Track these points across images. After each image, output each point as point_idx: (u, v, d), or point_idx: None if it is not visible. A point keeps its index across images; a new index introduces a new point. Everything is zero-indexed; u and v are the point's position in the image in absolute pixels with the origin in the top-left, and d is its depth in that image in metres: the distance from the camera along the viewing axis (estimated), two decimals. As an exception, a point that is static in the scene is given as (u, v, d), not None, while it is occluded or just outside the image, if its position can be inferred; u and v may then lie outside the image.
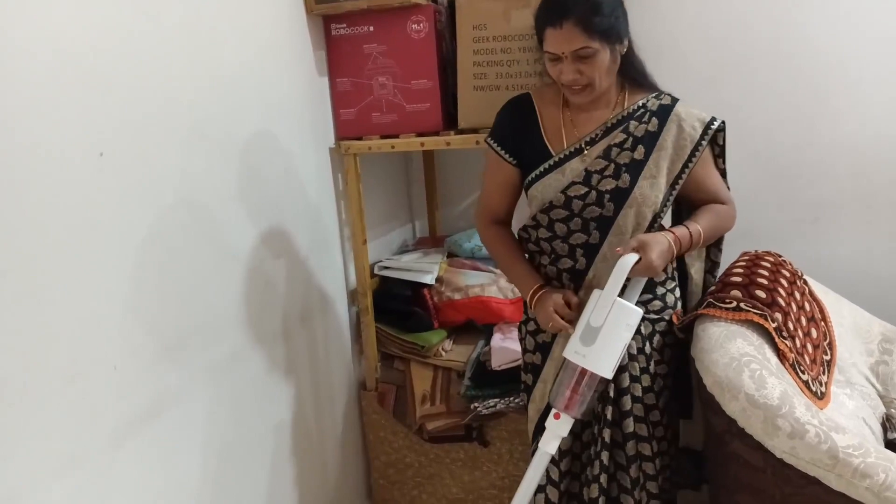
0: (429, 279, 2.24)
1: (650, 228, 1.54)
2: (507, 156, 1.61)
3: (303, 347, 1.98)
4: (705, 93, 2.22)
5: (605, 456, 1.57)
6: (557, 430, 1.45)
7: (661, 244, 1.45)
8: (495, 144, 1.63)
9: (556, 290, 1.56)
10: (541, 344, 1.65)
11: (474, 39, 1.93)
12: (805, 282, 1.87)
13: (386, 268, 2.30)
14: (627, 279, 1.43)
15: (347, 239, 2.19)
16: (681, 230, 1.51)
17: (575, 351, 1.43)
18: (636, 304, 1.46)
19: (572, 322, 1.49)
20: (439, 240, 2.61)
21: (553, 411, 1.45)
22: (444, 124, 2.01)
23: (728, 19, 2.23)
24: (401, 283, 2.26)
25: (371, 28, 2.00)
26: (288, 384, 1.91)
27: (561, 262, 1.59)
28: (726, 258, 1.83)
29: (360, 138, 2.07)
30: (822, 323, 1.82)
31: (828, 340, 1.81)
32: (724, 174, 1.66)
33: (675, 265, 1.67)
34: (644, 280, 1.47)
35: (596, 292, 1.45)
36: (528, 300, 1.60)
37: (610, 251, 1.52)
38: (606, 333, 1.41)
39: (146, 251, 1.41)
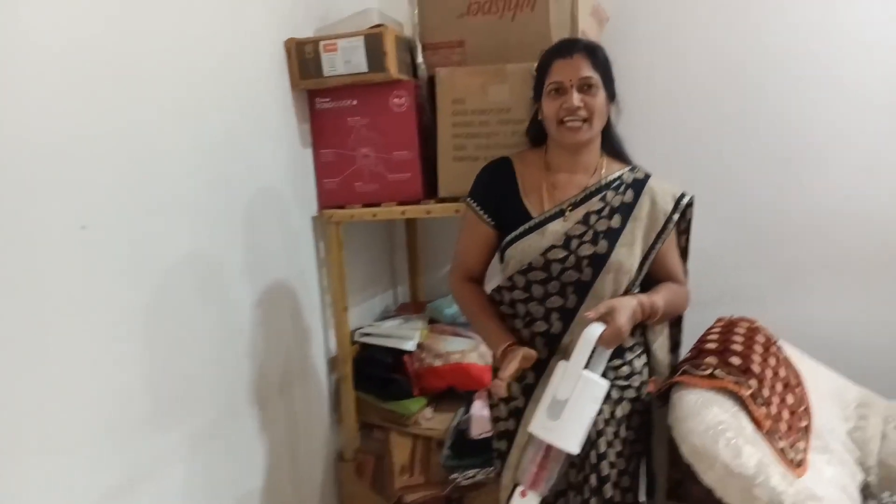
0: (410, 346, 2.24)
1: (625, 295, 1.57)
2: (486, 216, 1.63)
3: (281, 416, 1.96)
4: (677, 161, 2.30)
5: None
6: None
7: (628, 308, 1.47)
8: (475, 204, 1.65)
9: (523, 348, 1.54)
10: (514, 410, 1.64)
11: (454, 113, 2.00)
12: (780, 348, 1.89)
13: (367, 334, 2.30)
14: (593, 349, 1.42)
15: (329, 306, 2.20)
16: (644, 298, 1.53)
17: (541, 426, 1.39)
18: (603, 374, 1.44)
19: (512, 374, 1.46)
20: (421, 306, 2.63)
21: (519, 489, 1.40)
22: (424, 193, 2.06)
23: (698, 91, 2.34)
24: (382, 349, 2.26)
25: (354, 102, 2.06)
26: (264, 455, 1.89)
27: (535, 326, 1.59)
28: (703, 322, 1.85)
29: (342, 206, 2.11)
30: (798, 389, 1.84)
31: (804, 406, 1.81)
32: (686, 252, 1.71)
33: (642, 332, 1.69)
34: (609, 351, 1.46)
35: (561, 364, 1.43)
36: (497, 355, 1.58)
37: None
38: (573, 407, 1.37)
39: (124, 325, 1.41)
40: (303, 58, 1.99)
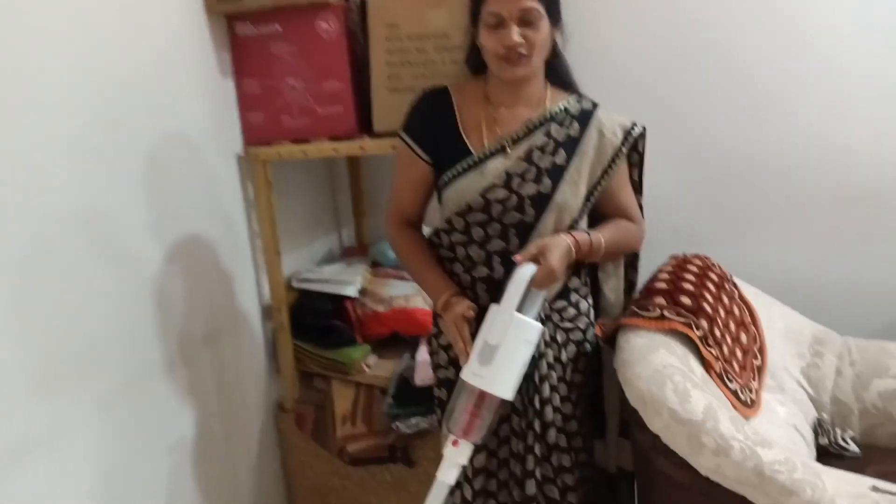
0: (351, 291, 2.12)
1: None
2: (421, 152, 1.50)
3: (208, 369, 1.83)
4: (637, 95, 2.19)
5: (539, 472, 1.49)
6: (456, 457, 1.31)
7: (560, 247, 1.36)
8: (409, 139, 1.51)
9: (464, 300, 1.45)
10: (453, 359, 1.55)
11: (387, 39, 1.83)
12: (735, 285, 1.81)
13: (305, 280, 2.17)
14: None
15: (260, 251, 2.06)
16: (581, 235, 1.43)
17: (473, 372, 1.30)
18: (546, 317, 1.35)
19: (467, 342, 1.38)
20: (366, 248, 2.50)
21: (451, 438, 1.32)
22: (358, 128, 1.90)
23: (660, 24, 2.19)
24: (321, 296, 2.13)
25: (278, 27, 1.87)
26: (191, 411, 1.77)
27: (476, 270, 1.49)
28: (657, 261, 1.77)
29: (269, 143, 1.94)
30: (753, 327, 1.77)
31: (758, 345, 1.75)
32: (639, 186, 1.60)
33: (588, 271, 1.59)
34: (543, 293, 1.36)
35: (493, 307, 1.34)
36: (438, 309, 1.49)
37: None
38: (505, 352, 1.28)
39: (17, 269, 1.27)
40: (216, -23, 1.79)
